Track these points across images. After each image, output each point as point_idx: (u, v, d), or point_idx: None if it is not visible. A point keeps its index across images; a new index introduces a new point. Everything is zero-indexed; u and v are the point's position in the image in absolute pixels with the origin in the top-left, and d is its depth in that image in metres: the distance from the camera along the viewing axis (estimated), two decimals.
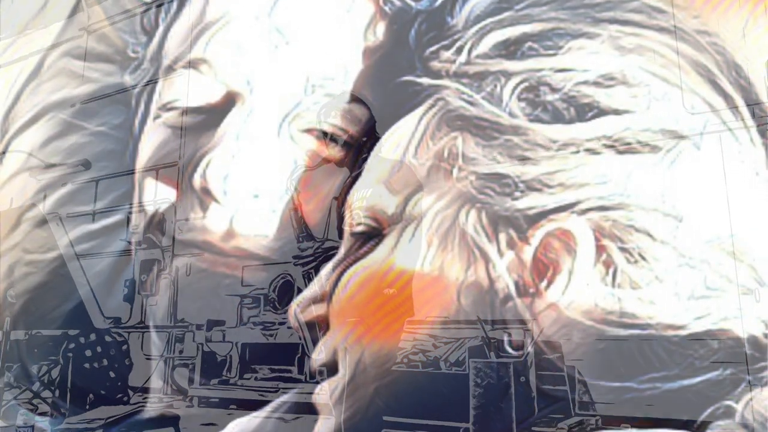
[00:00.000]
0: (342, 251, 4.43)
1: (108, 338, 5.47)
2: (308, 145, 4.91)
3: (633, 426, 3.34)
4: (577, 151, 3.79)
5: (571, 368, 3.53)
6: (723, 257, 3.35)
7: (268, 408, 4.57)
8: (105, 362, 5.46)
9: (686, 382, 3.30)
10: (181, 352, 5.03)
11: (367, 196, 4.36)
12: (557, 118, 3.90)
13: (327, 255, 4.55)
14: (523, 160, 3.91)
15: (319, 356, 4.40)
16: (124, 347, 5.40)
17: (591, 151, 3.76)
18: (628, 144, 3.68)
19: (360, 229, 4.31)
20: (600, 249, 3.61)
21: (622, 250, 3.56)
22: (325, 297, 4.42)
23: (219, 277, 5.07)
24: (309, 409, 4.41)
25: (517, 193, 3.88)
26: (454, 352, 3.86)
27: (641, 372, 3.39)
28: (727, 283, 3.32)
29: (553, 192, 3.80)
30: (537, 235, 3.79)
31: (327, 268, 4.45)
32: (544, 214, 3.80)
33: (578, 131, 3.82)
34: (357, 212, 4.36)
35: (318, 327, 4.45)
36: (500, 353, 3.73)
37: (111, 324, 5.51)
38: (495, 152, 3.99)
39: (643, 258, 3.51)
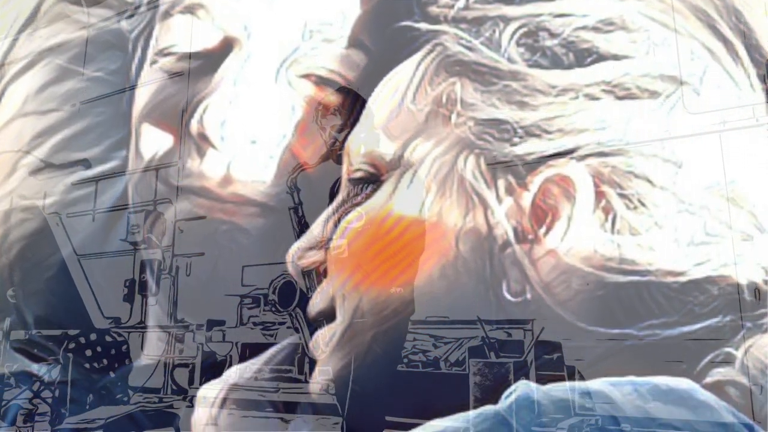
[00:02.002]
0: (340, 197, 4.42)
1: (108, 338, 5.45)
2: (306, 91, 4.89)
3: (633, 373, 3.34)
4: (576, 97, 3.77)
5: (571, 368, 3.52)
6: (722, 203, 3.34)
7: (267, 354, 4.57)
8: (105, 362, 5.45)
9: (686, 328, 3.30)
10: (181, 351, 5.02)
11: (365, 142, 4.34)
12: (556, 63, 3.88)
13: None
14: (522, 105, 3.89)
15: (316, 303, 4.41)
16: (124, 347, 5.39)
17: (590, 97, 3.74)
18: (627, 89, 3.66)
19: (358, 175, 4.30)
20: (599, 195, 3.60)
21: (622, 196, 3.55)
22: (323, 243, 4.41)
23: (216, 223, 5.07)
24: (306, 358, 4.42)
25: (516, 139, 3.86)
26: (454, 352, 3.86)
27: (640, 318, 3.39)
28: (727, 229, 3.31)
29: (552, 138, 3.79)
30: (536, 181, 3.77)
31: (325, 214, 4.45)
32: (542, 160, 3.78)
33: (577, 76, 3.80)
34: (355, 158, 4.35)
35: (315, 274, 4.45)
36: (500, 353, 3.72)
37: (111, 323, 5.49)
38: (494, 98, 3.98)
39: (643, 204, 3.50)
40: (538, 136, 3.82)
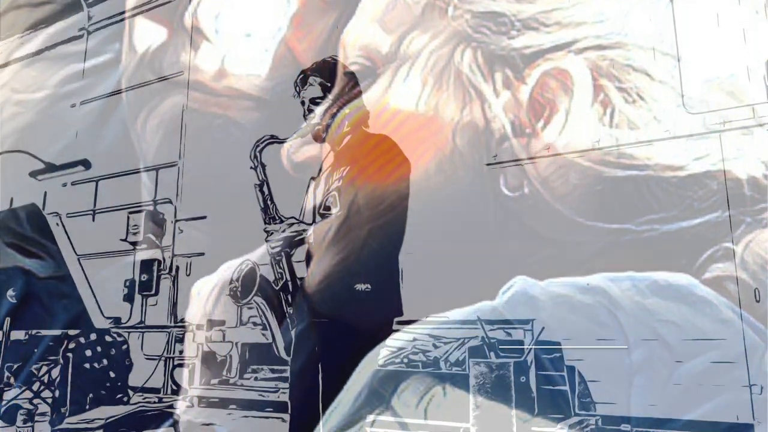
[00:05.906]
0: (336, 90, 4.39)
1: (108, 338, 5.44)
2: None
3: (632, 269, 3.34)
4: None
5: (571, 368, 3.50)
6: (722, 97, 3.31)
7: (261, 249, 4.57)
8: (105, 362, 5.45)
9: (685, 223, 3.29)
10: (181, 352, 4.99)
11: (361, 35, 4.31)
12: None
13: (294, 239, 4.48)
14: None
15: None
16: (124, 347, 5.38)
17: None
18: None
19: (354, 68, 4.28)
20: (597, 89, 3.56)
21: (620, 89, 3.52)
22: (319, 137, 4.40)
23: (210, 117, 5.04)
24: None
25: (514, 32, 3.82)
26: (454, 352, 3.84)
27: (639, 213, 3.38)
28: (727, 123, 3.28)
29: (549, 31, 3.75)
30: (533, 75, 3.74)
31: (322, 108, 4.42)
32: (540, 53, 3.74)
33: None
34: (351, 51, 4.32)
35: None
36: (500, 353, 3.70)
37: (111, 323, 5.47)
38: None
39: (641, 98, 3.47)
40: (535, 29, 3.78)
